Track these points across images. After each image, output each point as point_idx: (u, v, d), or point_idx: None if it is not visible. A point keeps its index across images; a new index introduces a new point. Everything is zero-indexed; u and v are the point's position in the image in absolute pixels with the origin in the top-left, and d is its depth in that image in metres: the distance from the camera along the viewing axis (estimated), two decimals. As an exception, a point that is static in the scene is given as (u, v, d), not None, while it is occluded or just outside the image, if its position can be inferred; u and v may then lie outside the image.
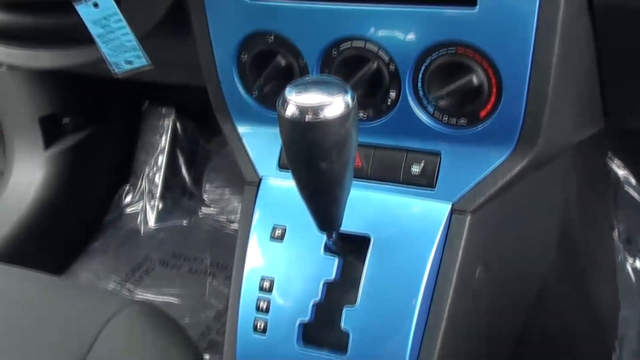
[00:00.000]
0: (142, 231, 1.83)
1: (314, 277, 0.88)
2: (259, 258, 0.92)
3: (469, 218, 0.85)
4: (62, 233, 1.72)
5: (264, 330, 0.89)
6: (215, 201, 1.84)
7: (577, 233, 1.28)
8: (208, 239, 1.77)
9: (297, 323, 0.88)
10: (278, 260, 0.90)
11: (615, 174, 1.42)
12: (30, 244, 1.60)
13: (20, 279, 1.09)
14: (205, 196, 1.82)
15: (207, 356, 1.42)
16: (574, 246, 1.28)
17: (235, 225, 1.74)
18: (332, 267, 0.88)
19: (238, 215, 1.70)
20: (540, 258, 1.17)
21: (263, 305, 0.90)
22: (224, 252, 1.70)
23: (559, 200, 1.15)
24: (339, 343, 0.87)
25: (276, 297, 0.89)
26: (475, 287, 0.90)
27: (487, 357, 1.04)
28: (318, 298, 0.87)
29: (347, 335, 0.86)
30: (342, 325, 0.86)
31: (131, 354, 0.95)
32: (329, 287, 0.88)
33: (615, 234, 1.41)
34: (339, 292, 0.88)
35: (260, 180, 0.94)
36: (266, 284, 0.90)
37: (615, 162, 1.42)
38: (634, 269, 1.41)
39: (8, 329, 0.99)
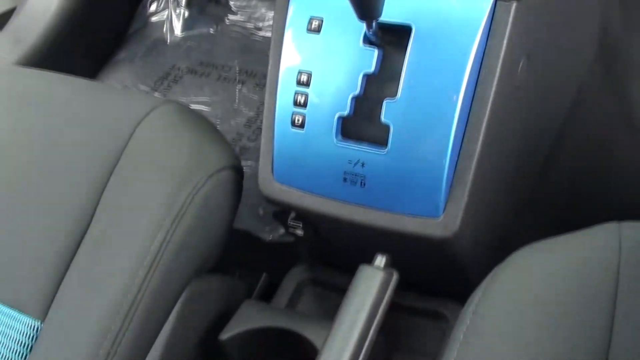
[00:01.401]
0: (168, 40, 1.77)
1: (353, 69, 0.85)
2: (295, 52, 0.89)
3: (514, 5, 0.81)
4: (88, 44, 1.69)
5: (302, 125, 0.88)
6: (242, 8, 1.76)
7: (617, 34, 1.25)
8: (236, 47, 1.71)
9: (336, 117, 0.86)
10: (315, 53, 0.87)
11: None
12: (56, 53, 1.57)
13: (53, 81, 1.08)
14: (231, 3, 1.76)
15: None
16: (614, 47, 1.24)
17: (263, 33, 1.68)
18: (371, 58, 0.85)
19: (266, 23, 1.68)
20: (580, 57, 1.14)
21: (301, 99, 0.88)
22: (252, 59, 1.65)
23: None
24: (379, 137, 0.85)
25: (314, 91, 0.87)
26: (517, 83, 0.87)
27: (527, 155, 1.03)
28: (357, 91, 0.85)
29: (387, 128, 0.84)
30: (382, 118, 0.84)
31: (167, 149, 0.94)
32: (369, 80, 0.85)
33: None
34: (378, 85, 0.86)
35: (295, -31, 0.90)
36: (303, 78, 0.88)
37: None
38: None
39: (44, 128, 0.99)
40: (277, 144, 0.91)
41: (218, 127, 1.37)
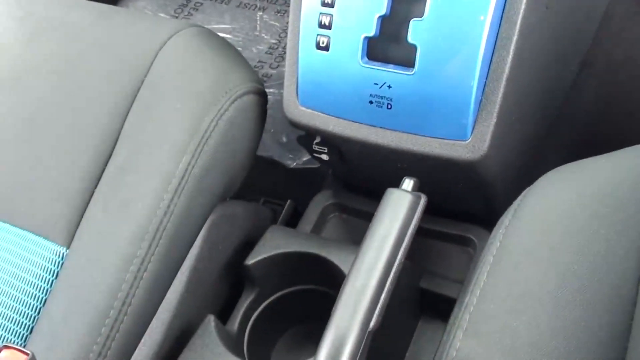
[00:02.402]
0: None
1: (381, -11, 0.82)
2: (319, -28, 0.86)
3: None
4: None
5: (327, 47, 0.86)
6: None
7: None
8: None
9: (362, 38, 0.84)
10: (341, -28, 0.85)
11: None
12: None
13: (71, 5, 1.06)
14: None
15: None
16: None
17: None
18: (398, -21, 0.82)
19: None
20: None
21: (325, 20, 0.86)
22: None
23: None
24: (406, 58, 0.83)
25: (339, 11, 0.85)
26: (546, 2, 0.85)
27: (555, 77, 1.01)
28: (383, 11, 0.83)
29: (414, 48, 0.82)
30: (409, 38, 0.82)
31: (190, 73, 0.93)
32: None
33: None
34: (405, 4, 0.83)
35: None
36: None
37: None
38: None
39: (63, 54, 0.98)
40: (302, 67, 0.89)
41: None
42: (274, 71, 1.45)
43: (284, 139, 1.31)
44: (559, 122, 1.12)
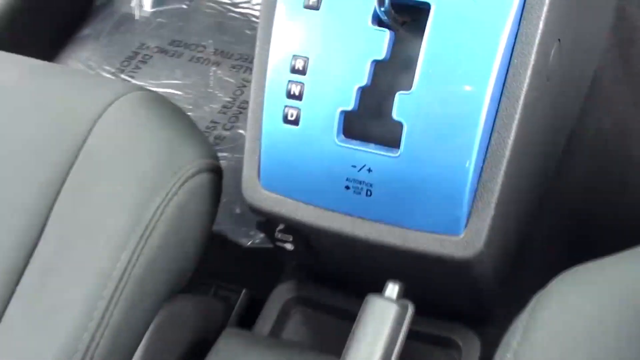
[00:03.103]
0: (137, 15, 1.63)
1: (359, 55, 0.71)
2: (289, 31, 0.74)
3: None
4: (47, 19, 1.55)
5: (297, 121, 0.74)
6: (217, -19, 1.65)
7: (634, 19, 1.17)
8: (211, 24, 1.58)
9: (338, 112, 0.72)
10: (314, 33, 0.73)
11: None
12: (14, 29, 1.44)
13: (6, 62, 0.91)
14: (205, -26, 1.63)
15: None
16: (630, 32, 1.17)
17: (240, 9, 1.56)
18: (382, 42, 0.70)
19: (244, -3, 1.53)
20: (597, 43, 1.05)
21: (295, 90, 0.73)
22: (228, 38, 1.53)
23: None
24: (390, 137, 0.72)
25: (311, 80, 0.73)
26: (548, 73, 0.75)
27: (549, 154, 0.91)
28: (364, 81, 0.71)
29: (400, 126, 0.70)
30: (395, 115, 0.70)
31: (134, 148, 0.79)
32: (378, 68, 0.71)
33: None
34: (390, 74, 0.72)
35: None
36: (299, 65, 0.73)
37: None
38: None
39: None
40: (266, 143, 0.76)
41: (190, 114, 1.27)
42: (227, 133, 1.36)
43: (238, 210, 1.19)
44: (548, 200, 1.02)
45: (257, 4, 1.50)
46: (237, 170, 1.17)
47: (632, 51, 1.18)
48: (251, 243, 1.14)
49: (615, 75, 1.15)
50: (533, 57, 0.70)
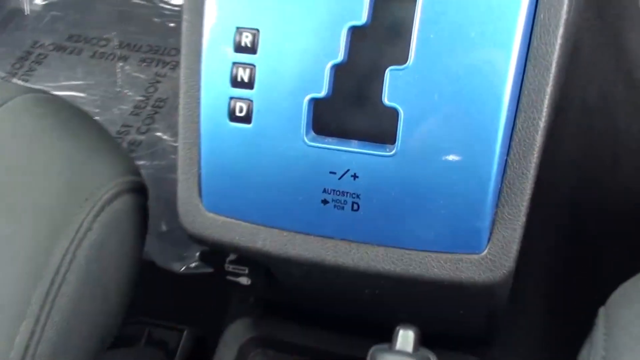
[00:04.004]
0: (26, 10, 1.52)
1: (331, 20, 0.53)
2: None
3: None
4: None
5: (248, 117, 0.55)
6: (118, -37, 1.57)
7: None
8: (113, 14, 1.48)
9: (306, 100, 0.53)
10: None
11: None
12: None
13: None
14: (104, -42, 1.56)
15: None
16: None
17: (148, -6, 1.48)
18: (360, 3, 0.52)
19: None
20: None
21: (243, 74, 0.55)
22: (134, 29, 1.43)
23: None
24: (380, 129, 0.54)
25: (265, 59, 0.55)
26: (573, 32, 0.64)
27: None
28: (339, 57, 0.53)
29: (393, 114, 0.52)
30: (385, 99, 0.52)
31: (29, 171, 0.58)
32: (357, 36, 0.53)
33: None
34: (374, 45, 0.54)
35: None
36: (246, 40, 0.54)
37: None
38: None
39: None
40: (207, 150, 0.57)
41: (97, 118, 1.17)
42: (143, 137, 1.24)
43: (164, 227, 1.04)
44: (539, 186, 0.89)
45: (165, -13, 1.43)
46: (158, 179, 1.07)
47: (609, 11, 1.08)
48: (185, 268, 0.99)
49: (594, 40, 1.06)
50: (565, 6, 0.52)
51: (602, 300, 0.59)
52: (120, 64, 1.38)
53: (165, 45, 1.38)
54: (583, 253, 0.94)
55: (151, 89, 1.31)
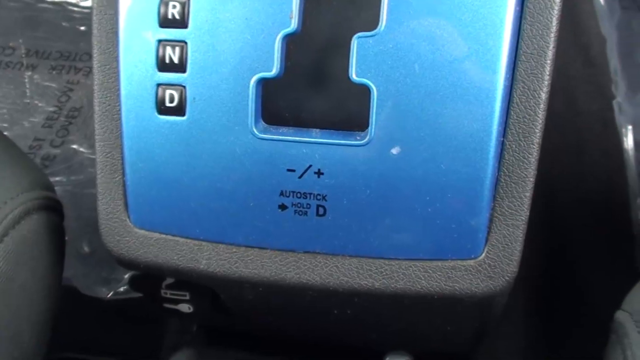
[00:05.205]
0: None
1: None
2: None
3: None
4: None
5: (181, 108, 0.44)
6: (21, -33, 1.47)
7: None
8: (18, 20, 1.39)
9: (253, 81, 0.43)
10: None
11: None
12: None
13: None
14: (3, -41, 1.47)
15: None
16: None
17: (53, -2, 1.39)
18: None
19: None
20: None
21: (172, 54, 0.44)
22: (42, 34, 1.34)
23: None
24: (348, 113, 0.44)
25: (198, 34, 0.44)
26: None
27: None
28: (292, 25, 0.43)
29: (365, 92, 0.43)
30: (353, 74, 0.42)
31: None
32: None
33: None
34: (335, 9, 0.44)
35: None
36: (173, 11, 0.45)
37: None
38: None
39: None
40: (132, 152, 0.47)
41: (7, 133, 1.18)
42: (57, 150, 1.17)
43: (86, 249, 0.96)
44: None
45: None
46: (77, 196, 1.02)
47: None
48: (113, 293, 0.89)
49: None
50: None
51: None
52: (29, 73, 1.32)
53: (77, 51, 1.30)
54: (554, 243, 0.89)
55: (63, 98, 1.24)
